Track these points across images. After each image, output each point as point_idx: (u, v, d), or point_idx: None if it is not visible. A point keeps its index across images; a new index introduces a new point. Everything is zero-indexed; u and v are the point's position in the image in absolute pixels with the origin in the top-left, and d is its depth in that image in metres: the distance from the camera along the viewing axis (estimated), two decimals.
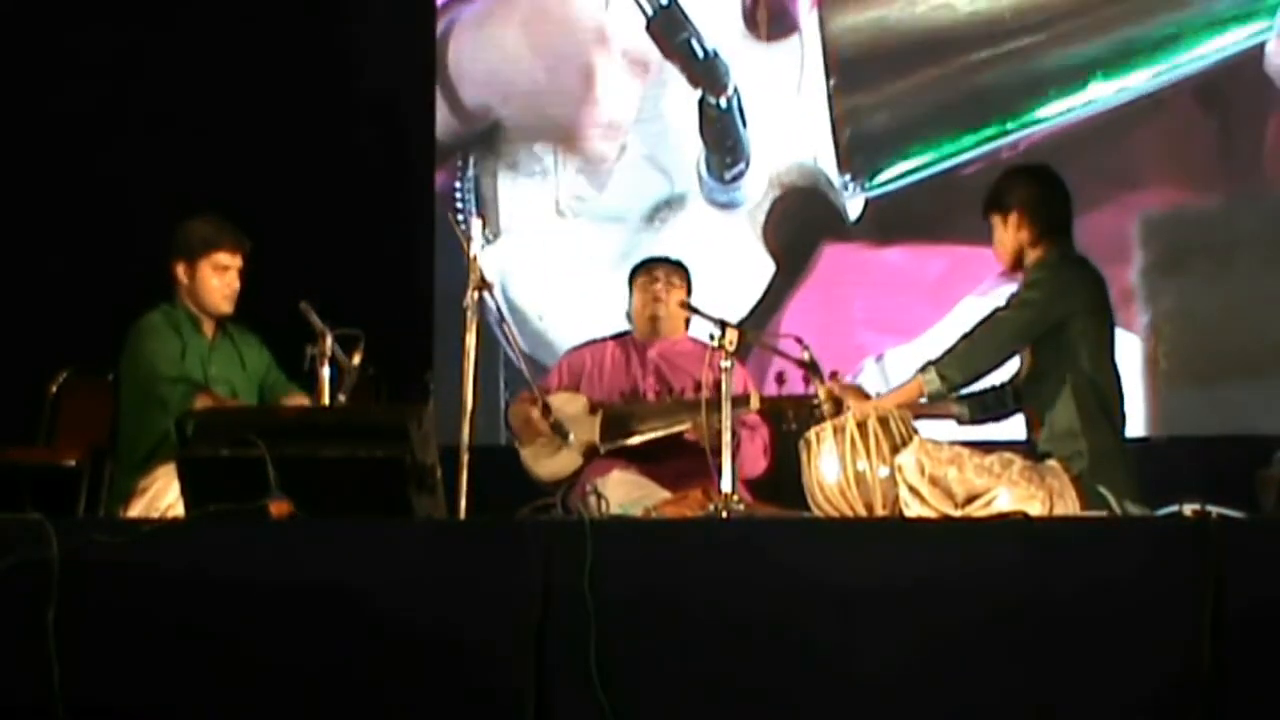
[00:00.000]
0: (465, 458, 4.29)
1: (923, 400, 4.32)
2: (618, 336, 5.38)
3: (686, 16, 5.78)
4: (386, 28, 6.66)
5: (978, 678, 3.16)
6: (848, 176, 5.62)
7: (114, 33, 6.39)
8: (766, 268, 5.71)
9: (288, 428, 3.80)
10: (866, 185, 5.59)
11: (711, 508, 4.29)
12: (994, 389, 4.49)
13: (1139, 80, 5.33)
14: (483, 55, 6.28)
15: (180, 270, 4.91)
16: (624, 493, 4.74)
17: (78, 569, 3.45)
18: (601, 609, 3.25)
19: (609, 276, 5.81)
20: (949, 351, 4.29)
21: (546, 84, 6.08)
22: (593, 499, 4.20)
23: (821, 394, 4.45)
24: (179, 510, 4.00)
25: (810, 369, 4.53)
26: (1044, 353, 4.27)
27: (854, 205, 5.78)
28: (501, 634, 3.31)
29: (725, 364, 4.41)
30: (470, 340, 4.46)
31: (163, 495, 4.46)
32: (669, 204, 5.89)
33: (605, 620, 3.25)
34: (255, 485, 3.56)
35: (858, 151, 5.63)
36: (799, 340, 4.62)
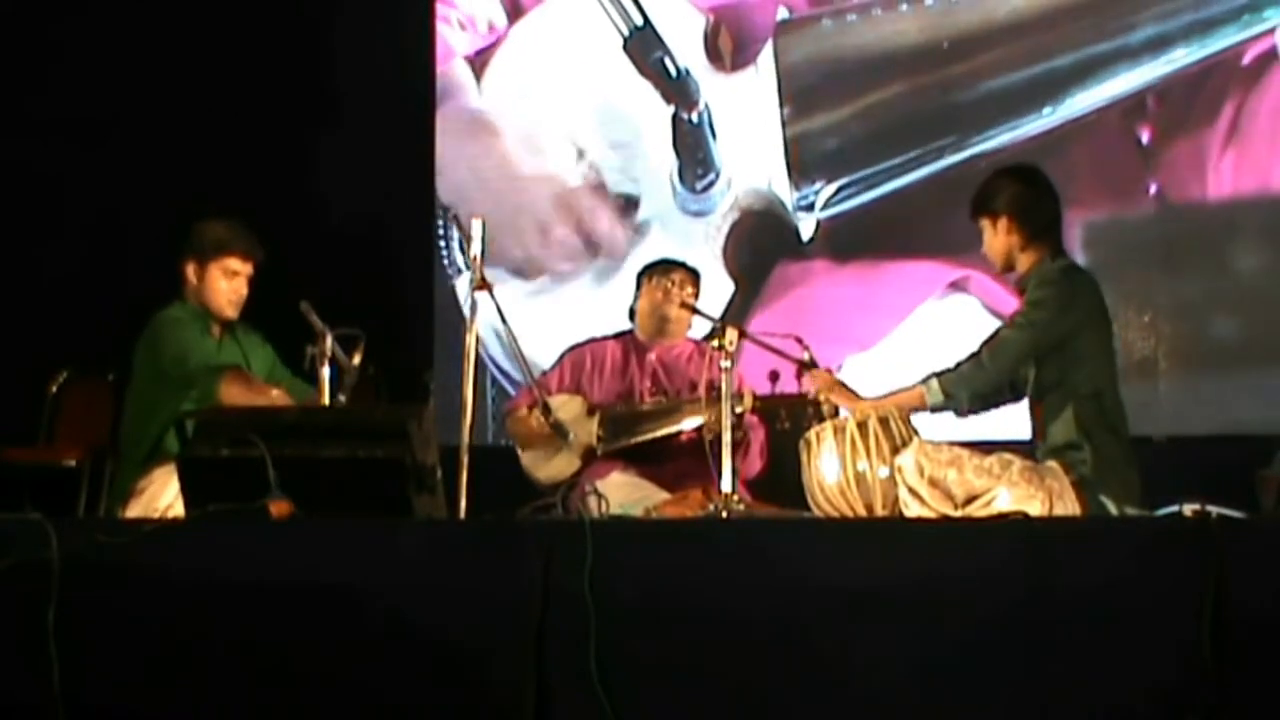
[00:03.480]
0: (465, 458, 4.29)
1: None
2: (619, 335, 5.39)
3: (660, 37, 6.14)
4: (387, 30, 6.68)
5: (977, 678, 3.16)
6: (799, 199, 5.99)
7: (114, 32, 6.39)
8: (726, 287, 6.06)
9: (288, 428, 3.79)
10: (817, 206, 5.97)
11: (711, 508, 4.30)
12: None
13: (1071, 103, 5.70)
14: (461, 165, 6.65)
15: (190, 270, 4.90)
16: (623, 494, 4.74)
17: (78, 569, 3.45)
18: (601, 609, 3.25)
19: (585, 299, 6.14)
20: (955, 370, 4.29)
21: (508, 223, 6.41)
22: (593, 499, 4.20)
23: (817, 384, 4.43)
24: (176, 509, 4.00)
25: (810, 369, 4.53)
26: (1047, 365, 4.27)
27: (806, 226, 6.12)
28: (501, 634, 3.31)
29: (725, 364, 4.42)
30: (470, 340, 4.47)
31: (160, 495, 4.47)
32: (638, 229, 6.25)
33: (605, 620, 3.25)
34: (255, 485, 3.56)
35: (809, 175, 5.99)
36: (799, 340, 4.62)
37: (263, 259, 4.93)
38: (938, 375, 4.29)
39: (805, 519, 4.17)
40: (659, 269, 5.31)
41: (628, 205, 6.34)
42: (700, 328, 5.19)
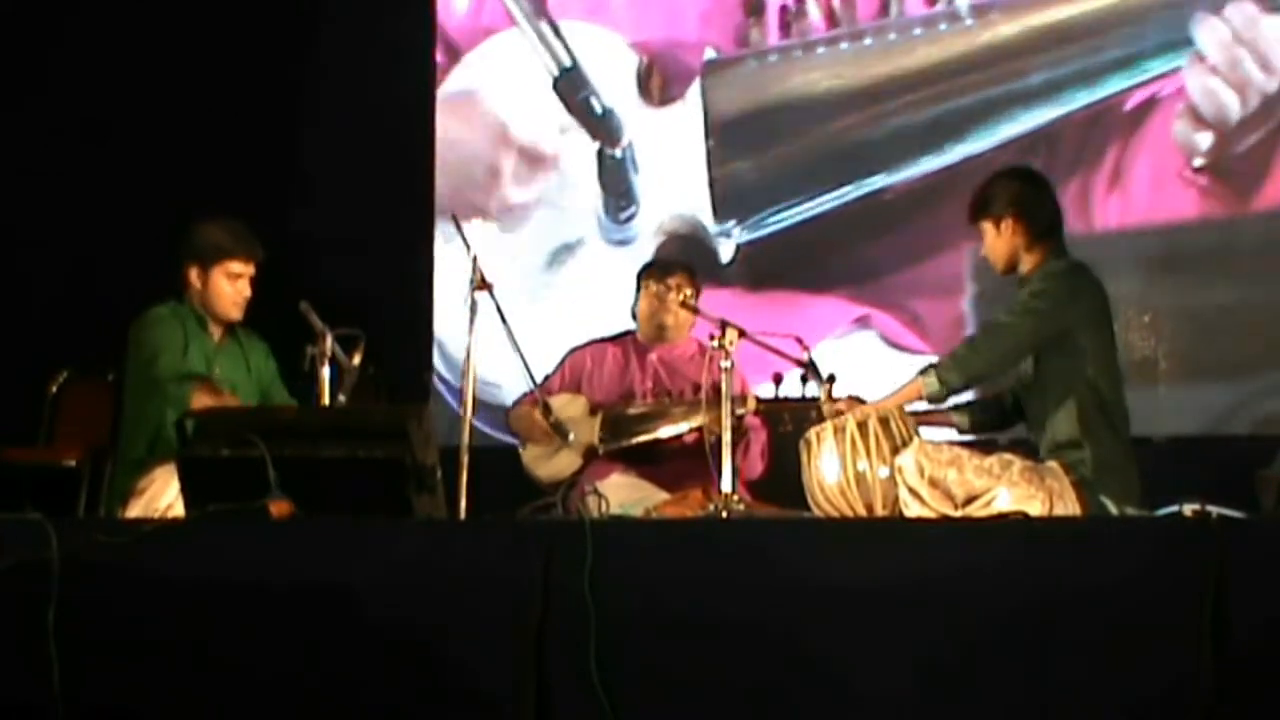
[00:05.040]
0: (465, 458, 4.29)
1: (922, 403, 4.32)
2: (620, 337, 5.40)
3: (586, 78, 6.60)
4: (388, 29, 6.68)
5: (977, 678, 3.16)
6: (720, 225, 6.43)
7: (115, 32, 6.39)
8: None
9: (288, 428, 3.79)
10: (737, 233, 6.41)
11: (711, 508, 4.30)
12: (995, 400, 4.49)
13: (971, 142, 6.17)
14: None
15: (193, 274, 4.89)
16: (623, 495, 4.74)
17: (78, 569, 3.45)
18: (601, 609, 3.25)
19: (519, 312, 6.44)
20: (951, 355, 4.29)
21: (458, 173, 6.80)
22: (593, 499, 4.20)
23: (823, 402, 4.45)
24: (177, 510, 4.00)
25: (811, 370, 4.53)
26: (1047, 361, 4.27)
27: (725, 250, 6.55)
28: (501, 634, 3.31)
29: (725, 364, 4.42)
30: (471, 340, 4.47)
31: (160, 495, 4.46)
32: (568, 248, 6.63)
33: (605, 620, 3.25)
34: (255, 485, 3.56)
35: (730, 203, 6.44)
36: (799, 340, 4.63)
37: (263, 258, 4.94)
38: (934, 365, 4.29)
39: (805, 519, 4.17)
40: (656, 271, 5.31)
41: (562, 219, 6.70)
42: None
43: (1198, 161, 5.89)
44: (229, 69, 6.40)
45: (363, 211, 6.46)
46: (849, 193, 6.26)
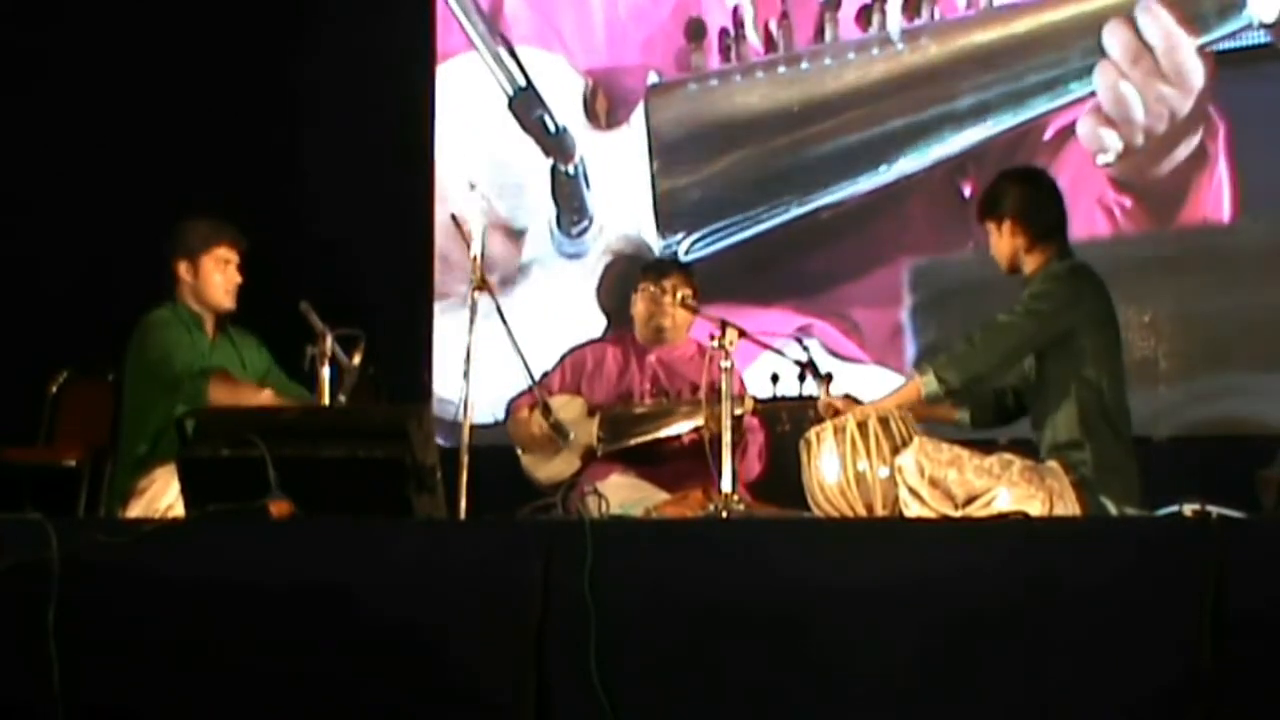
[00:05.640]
0: (465, 458, 4.29)
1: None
2: (620, 337, 5.39)
3: (540, 97, 6.78)
4: (387, 28, 6.68)
5: (977, 678, 3.16)
6: (665, 245, 6.62)
7: (114, 32, 6.39)
8: (600, 322, 6.63)
9: (288, 428, 3.79)
10: (682, 251, 6.58)
11: (711, 508, 4.29)
12: (996, 395, 4.49)
13: (904, 162, 6.35)
14: None
15: (183, 268, 4.95)
16: (623, 495, 4.73)
17: (78, 569, 3.45)
18: (601, 609, 3.25)
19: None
20: (949, 354, 4.28)
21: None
22: (593, 499, 4.20)
23: (821, 406, 4.44)
24: (178, 510, 4.00)
25: (810, 370, 4.53)
26: (1049, 363, 4.27)
27: None
28: (501, 634, 3.31)
29: (725, 364, 4.42)
30: (471, 340, 4.47)
31: (161, 495, 4.48)
32: (520, 269, 6.79)
33: (605, 620, 3.25)
34: (255, 485, 3.56)
35: (674, 221, 6.65)
36: (799, 340, 4.62)
37: (247, 247, 4.98)
38: (930, 362, 4.28)
39: (805, 519, 4.17)
40: (653, 273, 5.29)
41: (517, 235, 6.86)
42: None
43: (1101, 159, 6.00)
44: (229, 69, 6.41)
45: (363, 211, 6.46)
46: (788, 210, 6.45)
